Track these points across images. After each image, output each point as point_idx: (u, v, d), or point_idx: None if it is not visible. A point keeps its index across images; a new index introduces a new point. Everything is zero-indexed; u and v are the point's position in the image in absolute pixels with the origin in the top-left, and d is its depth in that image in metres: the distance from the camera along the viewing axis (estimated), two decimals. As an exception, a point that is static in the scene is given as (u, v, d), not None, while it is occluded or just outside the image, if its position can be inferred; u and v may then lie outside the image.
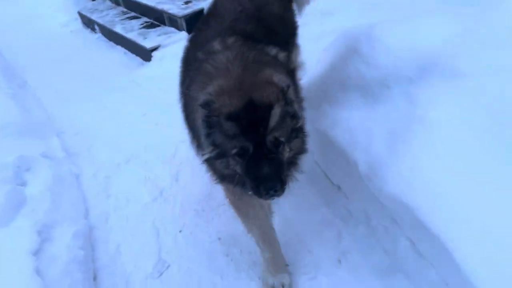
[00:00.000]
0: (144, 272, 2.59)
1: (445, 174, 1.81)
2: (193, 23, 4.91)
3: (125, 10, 7.13)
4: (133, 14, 6.83)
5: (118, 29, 6.32)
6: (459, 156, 1.81)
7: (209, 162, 1.85)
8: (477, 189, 1.71)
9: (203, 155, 1.84)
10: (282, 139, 1.69)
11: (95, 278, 2.60)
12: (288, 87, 1.72)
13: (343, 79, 2.70)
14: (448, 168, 1.81)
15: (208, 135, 1.72)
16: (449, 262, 1.70)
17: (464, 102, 1.90)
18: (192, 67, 2.16)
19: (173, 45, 5.27)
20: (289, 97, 1.73)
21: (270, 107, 1.64)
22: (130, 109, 4.35)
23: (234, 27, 2.28)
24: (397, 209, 2.02)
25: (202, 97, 1.71)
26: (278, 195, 1.69)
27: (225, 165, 1.76)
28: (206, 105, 1.66)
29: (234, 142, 1.64)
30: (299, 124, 1.81)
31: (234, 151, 1.66)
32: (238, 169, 1.72)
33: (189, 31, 5.34)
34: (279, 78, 1.74)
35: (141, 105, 4.35)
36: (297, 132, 1.81)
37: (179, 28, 5.68)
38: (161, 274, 2.57)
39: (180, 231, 2.81)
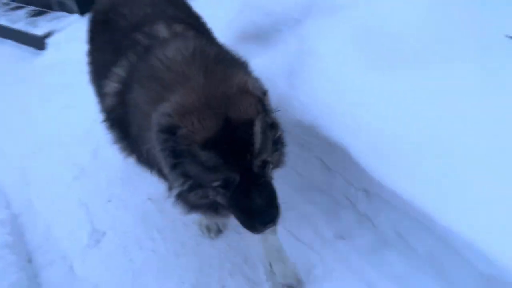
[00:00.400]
0: (80, 244, 2.62)
1: (335, 93, 2.10)
2: (85, 3, 4.77)
3: (6, 1, 6.63)
4: (16, 4, 6.39)
5: (3, 21, 5.90)
6: (343, 76, 2.11)
7: (180, 196, 1.56)
8: (364, 99, 2.01)
9: (170, 188, 1.54)
10: (269, 158, 1.46)
11: (29, 260, 2.59)
12: (265, 93, 1.48)
13: (242, 32, 2.91)
14: (337, 88, 2.11)
15: (175, 166, 1.41)
16: (352, 166, 2.01)
17: (341, 31, 2.20)
18: (126, 53, 1.79)
19: (67, 29, 5.08)
20: (266, 104, 1.47)
21: (251, 125, 1.37)
22: (34, 99, 4.19)
23: (164, 13, 2.02)
24: (303, 133, 2.29)
25: (158, 118, 1.38)
26: (275, 224, 1.48)
27: (201, 195, 1.49)
28: (168, 131, 1.34)
29: (215, 174, 1.38)
30: (278, 134, 1.57)
31: (216, 184, 1.40)
32: (220, 199, 1.48)
33: (82, 12, 5.16)
34: (253, 84, 1.46)
35: (45, 93, 4.20)
36: (277, 144, 1.57)
37: (70, 11, 5.47)
38: (98, 242, 2.63)
39: (109, 201, 2.87)
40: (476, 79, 1.84)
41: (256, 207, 1.40)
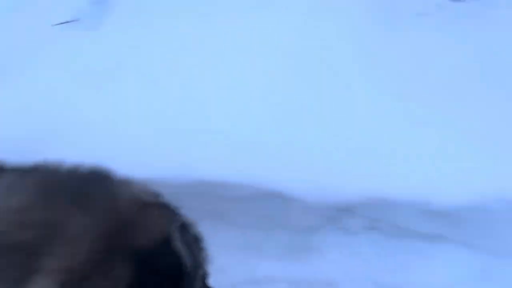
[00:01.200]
0: None
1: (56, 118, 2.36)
2: None
3: None
4: None
5: None
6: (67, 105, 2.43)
7: None
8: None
9: None
10: (206, 268, 1.12)
11: None
12: (158, 195, 1.12)
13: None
14: (59, 114, 2.37)
15: None
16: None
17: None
18: None
19: None
20: (168, 205, 1.11)
21: (169, 242, 0.98)
22: None
23: None
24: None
25: None
26: None
27: None
28: None
29: None
30: (194, 232, 1.15)
31: None
32: None
33: None
34: (141, 190, 1.03)
35: None
36: (199, 244, 1.15)
37: None
38: None
39: None
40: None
41: None
